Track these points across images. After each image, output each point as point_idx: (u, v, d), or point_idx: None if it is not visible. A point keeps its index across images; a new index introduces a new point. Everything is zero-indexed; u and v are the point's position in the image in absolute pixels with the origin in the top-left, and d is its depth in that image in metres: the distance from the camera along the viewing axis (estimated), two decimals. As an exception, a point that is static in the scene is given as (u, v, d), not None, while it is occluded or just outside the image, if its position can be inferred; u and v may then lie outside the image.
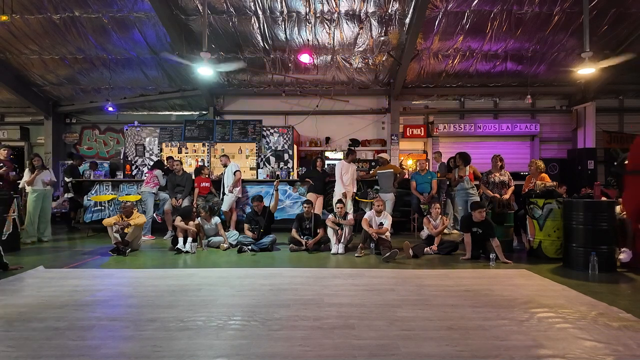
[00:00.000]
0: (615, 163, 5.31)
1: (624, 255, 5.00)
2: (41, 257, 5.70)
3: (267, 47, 9.36)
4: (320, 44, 9.27)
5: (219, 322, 3.08)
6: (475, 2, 7.94)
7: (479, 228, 5.50)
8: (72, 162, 9.15)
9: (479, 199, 6.63)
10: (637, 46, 8.87)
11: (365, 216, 6.10)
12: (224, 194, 7.69)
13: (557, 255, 5.51)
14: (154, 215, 7.72)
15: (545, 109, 11.49)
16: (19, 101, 11.13)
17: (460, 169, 6.87)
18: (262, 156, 9.56)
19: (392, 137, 10.99)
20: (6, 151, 6.95)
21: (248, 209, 7.22)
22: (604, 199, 5.77)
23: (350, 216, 6.33)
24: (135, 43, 9.20)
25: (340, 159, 10.15)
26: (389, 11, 8.25)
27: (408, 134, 11.33)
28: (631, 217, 5.01)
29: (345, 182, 7.33)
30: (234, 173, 7.56)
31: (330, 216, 6.35)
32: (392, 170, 7.64)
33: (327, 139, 11.48)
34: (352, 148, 8.49)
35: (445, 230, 6.81)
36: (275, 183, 6.96)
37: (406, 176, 8.23)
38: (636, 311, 3.32)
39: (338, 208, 6.32)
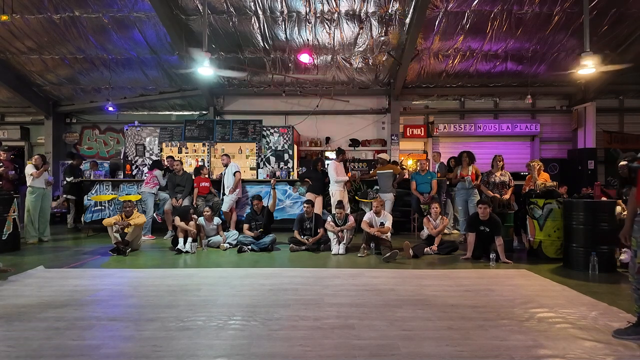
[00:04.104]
0: (628, 160, 5.26)
1: (625, 256, 4.99)
2: (41, 257, 5.70)
3: (267, 47, 9.36)
4: (320, 44, 9.27)
5: (219, 322, 3.08)
6: (476, 2, 7.94)
7: (487, 227, 5.48)
8: (71, 162, 9.16)
9: (479, 199, 6.64)
10: (637, 46, 8.87)
11: (365, 218, 6.09)
12: (223, 194, 7.69)
13: (557, 256, 5.51)
14: (154, 215, 7.72)
15: (545, 109, 11.49)
16: (19, 101, 11.13)
17: (463, 167, 6.86)
18: (262, 156, 9.55)
19: (392, 137, 10.99)
20: (6, 154, 6.99)
21: (248, 210, 7.23)
22: (604, 198, 5.77)
23: (351, 219, 6.32)
24: (136, 43, 9.20)
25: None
26: (389, 11, 8.25)
27: (408, 134, 11.33)
28: None
29: (337, 179, 7.41)
30: (234, 174, 7.56)
31: (329, 219, 6.35)
32: (391, 170, 7.65)
33: (327, 139, 11.48)
34: (342, 148, 8.71)
35: (445, 230, 6.81)
36: (272, 182, 6.97)
37: (406, 176, 8.23)
38: (633, 312, 3.31)
39: (337, 212, 6.30)
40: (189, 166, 8.93)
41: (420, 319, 3.17)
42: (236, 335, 2.86)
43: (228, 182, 7.62)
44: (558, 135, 11.43)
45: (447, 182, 7.99)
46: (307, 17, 8.43)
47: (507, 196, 6.23)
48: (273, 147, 9.62)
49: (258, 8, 8.21)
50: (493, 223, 5.47)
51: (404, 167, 9.93)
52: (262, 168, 9.37)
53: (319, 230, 6.33)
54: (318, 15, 8.39)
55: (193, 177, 7.62)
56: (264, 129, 9.70)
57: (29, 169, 6.80)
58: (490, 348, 2.64)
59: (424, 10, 7.81)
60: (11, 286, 4.14)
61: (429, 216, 6.30)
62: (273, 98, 11.29)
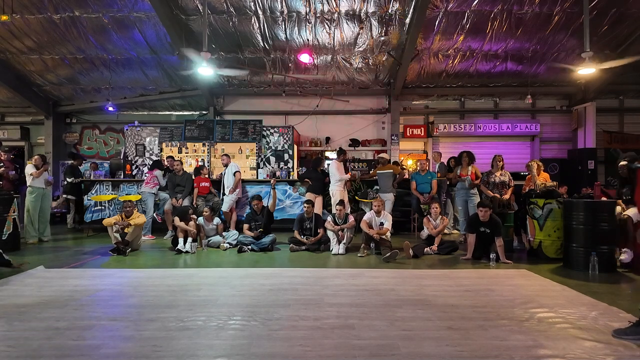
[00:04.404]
0: (628, 160, 5.25)
1: (625, 256, 4.99)
2: (41, 256, 5.69)
3: (267, 47, 9.36)
4: (321, 44, 9.27)
5: (219, 322, 3.08)
6: (476, 2, 7.94)
7: (487, 227, 5.48)
8: (72, 162, 9.17)
9: (479, 199, 6.63)
10: (637, 46, 8.87)
11: (365, 218, 6.08)
12: (223, 194, 7.69)
13: (557, 255, 5.51)
14: (154, 215, 7.72)
15: (545, 109, 11.49)
16: (19, 101, 11.13)
17: (463, 167, 6.86)
18: (262, 156, 9.55)
19: (392, 137, 10.99)
20: (6, 154, 7.01)
21: (248, 210, 7.23)
22: (604, 198, 5.76)
23: (351, 218, 6.32)
24: (136, 43, 9.20)
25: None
26: (389, 11, 8.25)
27: (408, 134, 11.33)
28: None
29: (339, 177, 7.41)
30: (234, 174, 7.56)
31: (329, 218, 6.34)
32: (391, 170, 7.65)
33: (327, 139, 11.49)
34: (343, 148, 8.79)
35: (445, 230, 6.81)
36: (272, 182, 6.97)
37: (406, 176, 8.24)
38: (636, 311, 3.31)
39: (337, 210, 6.31)
40: (189, 166, 8.92)
41: (420, 319, 3.17)
42: (236, 335, 2.86)
43: (228, 182, 7.62)
44: (558, 135, 11.43)
45: (447, 182, 7.98)
46: (307, 17, 8.44)
47: (507, 196, 6.22)
48: (273, 147, 9.61)
49: (258, 8, 8.22)
50: (493, 224, 5.46)
51: (404, 167, 9.94)
52: (262, 168, 9.37)
53: (319, 230, 6.33)
54: (318, 15, 8.40)
55: (193, 177, 7.61)
56: (264, 129, 9.69)
57: (29, 169, 6.81)
58: (490, 348, 2.64)
59: (424, 10, 7.81)
60: (11, 286, 4.13)
61: (429, 216, 6.30)
62: (273, 98, 11.29)
